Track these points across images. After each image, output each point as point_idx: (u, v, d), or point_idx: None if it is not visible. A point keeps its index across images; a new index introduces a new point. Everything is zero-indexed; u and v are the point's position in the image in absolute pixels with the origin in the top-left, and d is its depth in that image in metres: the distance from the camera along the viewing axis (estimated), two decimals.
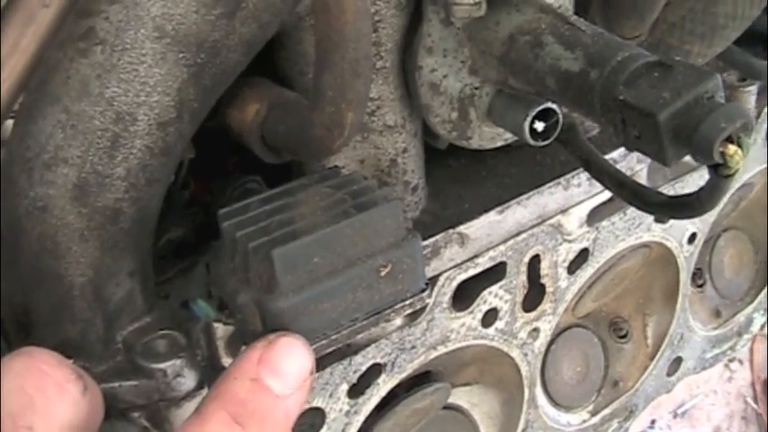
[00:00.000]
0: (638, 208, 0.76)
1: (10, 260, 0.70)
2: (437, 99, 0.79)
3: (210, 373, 0.77)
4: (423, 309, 0.87)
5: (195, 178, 0.90)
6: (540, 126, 0.76)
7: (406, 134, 0.82)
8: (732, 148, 0.59)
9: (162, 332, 0.75)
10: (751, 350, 3.11)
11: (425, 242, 0.84)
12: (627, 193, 0.77)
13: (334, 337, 0.66)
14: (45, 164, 0.68)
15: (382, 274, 0.67)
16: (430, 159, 0.89)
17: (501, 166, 0.95)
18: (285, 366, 0.58)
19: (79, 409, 0.59)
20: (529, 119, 0.76)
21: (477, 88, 0.80)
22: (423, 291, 0.69)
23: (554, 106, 0.76)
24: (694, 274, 1.25)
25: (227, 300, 0.67)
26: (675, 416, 3.17)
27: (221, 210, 0.69)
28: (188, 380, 0.73)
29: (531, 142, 0.77)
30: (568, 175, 0.93)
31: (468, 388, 1.05)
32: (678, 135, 0.60)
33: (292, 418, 0.58)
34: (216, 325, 0.75)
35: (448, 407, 1.04)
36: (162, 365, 0.72)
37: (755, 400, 3.16)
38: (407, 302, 0.69)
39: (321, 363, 0.83)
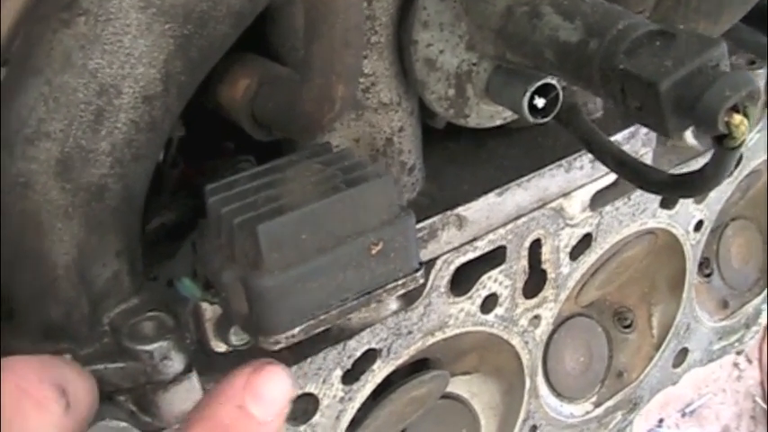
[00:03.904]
0: (641, 187, 0.74)
1: None
2: (433, 75, 0.77)
3: (199, 357, 0.75)
4: (419, 293, 0.84)
5: (189, 161, 0.88)
6: (540, 102, 0.74)
7: (402, 112, 0.80)
8: (738, 118, 0.56)
9: (149, 314, 0.73)
10: (760, 349, 3.08)
11: (422, 224, 0.82)
12: (628, 171, 0.74)
13: (322, 318, 0.64)
14: (27, 138, 0.66)
15: (373, 252, 0.64)
16: (428, 141, 0.87)
17: (501, 149, 0.92)
18: (269, 394, 0.57)
19: (61, 430, 0.57)
20: (528, 94, 0.73)
21: (474, 64, 0.77)
22: (416, 271, 0.67)
23: (554, 81, 0.74)
24: (701, 263, 1.23)
25: (213, 278, 0.65)
26: (684, 415, 3.15)
27: (208, 186, 0.67)
28: (175, 362, 0.71)
29: (531, 119, 0.75)
30: (570, 158, 0.90)
31: (467, 377, 1.03)
32: (680, 105, 0.58)
33: None
34: (204, 306, 0.72)
35: (447, 396, 1.02)
36: (148, 347, 0.70)
37: (764, 399, 3.13)
38: (400, 282, 0.66)
39: (314, 347, 0.81)
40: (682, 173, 0.69)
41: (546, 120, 0.75)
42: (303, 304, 0.63)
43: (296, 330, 0.63)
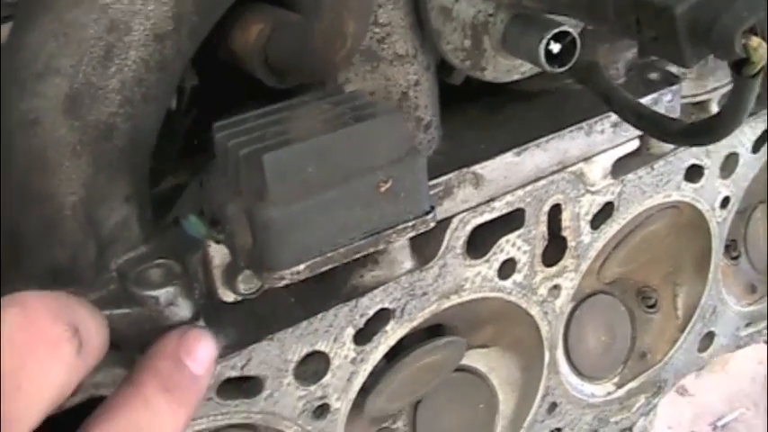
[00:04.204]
0: (661, 138, 0.72)
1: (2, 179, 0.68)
2: (449, 25, 0.75)
3: (208, 310, 0.74)
4: (434, 252, 0.83)
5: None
6: (555, 48, 0.72)
7: (417, 65, 0.79)
8: (756, 40, 0.54)
9: (158, 261, 0.72)
10: None
11: (437, 180, 0.81)
12: (648, 124, 0.73)
13: (329, 255, 0.63)
14: (37, 74, 0.65)
15: (382, 190, 0.63)
16: (445, 105, 0.86)
17: (520, 112, 0.91)
18: (199, 350, 0.65)
19: (72, 371, 0.57)
20: (544, 41, 0.72)
21: (491, 15, 0.76)
22: (427, 213, 0.66)
23: (569, 29, 0.73)
24: (728, 245, 1.20)
25: (218, 213, 0.64)
26: (715, 428, 3.10)
27: (216, 123, 0.66)
28: (182, 309, 0.70)
29: (548, 68, 0.73)
30: (591, 121, 0.89)
31: (485, 350, 1.01)
32: (696, 30, 0.56)
33: (200, 396, 0.65)
34: (212, 253, 0.71)
35: (464, 369, 1.00)
36: (154, 293, 0.69)
37: None
38: (410, 224, 0.65)
39: (325, 303, 0.79)
40: (701, 119, 0.67)
41: (563, 69, 0.74)
42: (309, 240, 0.62)
43: (301, 267, 0.62)
